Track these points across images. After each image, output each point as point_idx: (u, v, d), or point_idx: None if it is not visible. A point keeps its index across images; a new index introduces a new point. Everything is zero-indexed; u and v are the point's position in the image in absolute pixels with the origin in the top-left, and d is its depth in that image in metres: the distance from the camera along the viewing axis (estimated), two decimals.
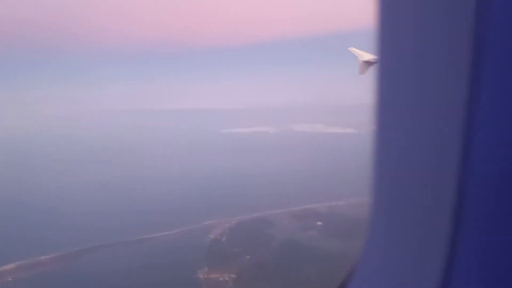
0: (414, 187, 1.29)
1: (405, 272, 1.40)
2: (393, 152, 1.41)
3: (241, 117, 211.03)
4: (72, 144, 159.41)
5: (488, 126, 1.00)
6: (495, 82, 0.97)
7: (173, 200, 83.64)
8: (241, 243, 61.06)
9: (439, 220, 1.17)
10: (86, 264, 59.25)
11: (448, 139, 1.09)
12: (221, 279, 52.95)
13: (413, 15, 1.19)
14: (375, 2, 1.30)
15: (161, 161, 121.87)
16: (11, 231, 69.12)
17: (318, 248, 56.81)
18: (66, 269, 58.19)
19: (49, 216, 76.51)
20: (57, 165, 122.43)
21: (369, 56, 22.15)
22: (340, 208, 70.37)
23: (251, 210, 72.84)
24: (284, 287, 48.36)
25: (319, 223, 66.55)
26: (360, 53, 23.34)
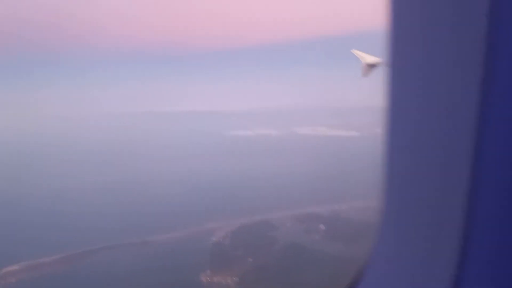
0: (425, 188, 1.29)
1: (416, 273, 1.40)
2: (404, 153, 1.40)
3: (244, 120, 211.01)
4: (76, 145, 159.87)
5: (500, 127, 1.00)
6: (507, 84, 0.97)
7: (176, 202, 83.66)
8: (244, 246, 60.96)
9: (450, 222, 1.17)
10: (89, 265, 59.33)
11: (459, 141, 1.09)
12: (223, 282, 52.86)
13: (424, 17, 1.19)
14: (387, 5, 1.30)
15: (164, 163, 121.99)
16: (15, 232, 69.31)
17: (321, 251, 56.63)
18: (69, 271, 58.29)
19: (52, 217, 76.73)
20: (61, 166, 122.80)
21: (372, 59, 22.10)
22: (343, 212, 70.16)
23: (254, 213, 72.72)
24: None
25: (322, 226, 66.36)
26: (363, 56, 23.28)
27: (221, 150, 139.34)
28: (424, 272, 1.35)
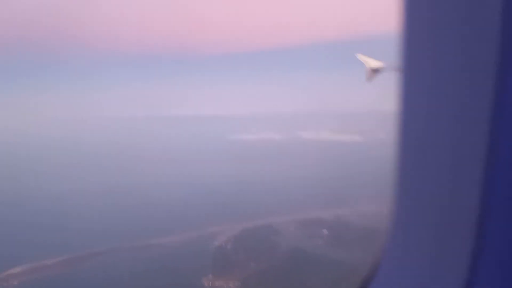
0: (437, 190, 1.30)
1: (427, 275, 1.40)
2: (417, 156, 1.40)
3: (248, 124, 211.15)
4: (80, 147, 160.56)
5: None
6: None
7: (178, 206, 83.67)
8: (246, 251, 60.74)
9: (462, 225, 1.17)
10: (91, 268, 59.30)
11: (472, 143, 1.09)
12: (225, 286, 52.66)
13: (437, 21, 1.19)
14: (400, 10, 1.31)
15: (167, 167, 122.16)
16: (17, 234, 69.46)
17: (324, 256, 56.32)
18: (71, 273, 58.29)
19: (54, 220, 76.84)
20: (64, 169, 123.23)
21: (376, 63, 22.06)
22: (346, 216, 69.84)
23: (257, 217, 72.53)
24: None
25: (325, 231, 66.06)
26: (367, 60, 23.24)
27: (224, 154, 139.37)
28: (435, 275, 1.35)
